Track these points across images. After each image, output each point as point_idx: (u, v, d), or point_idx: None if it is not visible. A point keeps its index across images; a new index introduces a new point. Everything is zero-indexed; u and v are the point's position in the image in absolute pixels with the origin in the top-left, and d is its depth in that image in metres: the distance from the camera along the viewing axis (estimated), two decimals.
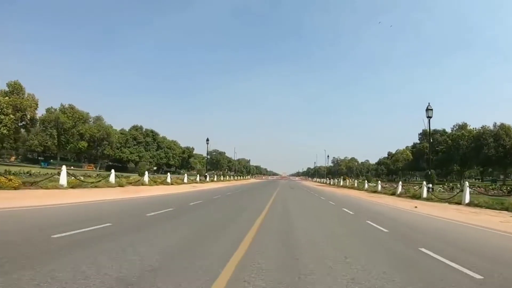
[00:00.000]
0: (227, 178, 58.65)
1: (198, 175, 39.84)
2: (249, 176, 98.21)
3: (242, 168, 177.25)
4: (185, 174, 34.41)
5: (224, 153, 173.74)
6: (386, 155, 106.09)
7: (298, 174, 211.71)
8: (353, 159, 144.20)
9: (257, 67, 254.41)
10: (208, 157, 49.23)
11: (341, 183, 49.57)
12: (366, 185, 33.45)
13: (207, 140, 44.41)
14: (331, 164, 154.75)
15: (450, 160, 65.79)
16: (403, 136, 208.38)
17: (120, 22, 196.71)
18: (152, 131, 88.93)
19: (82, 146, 64.88)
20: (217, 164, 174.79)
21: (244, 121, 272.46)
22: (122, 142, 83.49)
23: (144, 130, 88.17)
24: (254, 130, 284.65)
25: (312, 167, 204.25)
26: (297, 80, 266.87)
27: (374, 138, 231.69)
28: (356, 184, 42.09)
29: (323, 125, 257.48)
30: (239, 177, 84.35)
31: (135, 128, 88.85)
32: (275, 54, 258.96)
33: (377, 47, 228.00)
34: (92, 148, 73.41)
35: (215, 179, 46.91)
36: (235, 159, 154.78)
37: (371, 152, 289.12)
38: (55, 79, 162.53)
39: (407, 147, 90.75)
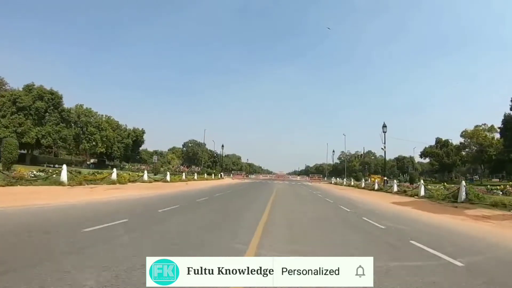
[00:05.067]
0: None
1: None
2: (221, 174, 61.13)
3: (232, 165, 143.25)
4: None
5: (204, 144, 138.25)
6: (434, 143, 69.14)
7: (295, 173, 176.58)
8: (369, 152, 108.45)
9: (257, 66, 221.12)
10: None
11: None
12: None
13: None
14: (337, 161, 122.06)
15: None
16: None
17: (121, 21, 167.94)
18: (51, 93, 52.52)
19: None
20: (194, 157, 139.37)
21: (243, 120, 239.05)
22: None
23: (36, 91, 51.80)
24: (253, 130, 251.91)
25: (311, 165, 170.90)
26: (297, 80, 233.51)
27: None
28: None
29: (323, 122, 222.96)
30: (210, 175, 48.36)
31: (28, 88, 52.68)
32: (275, 53, 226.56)
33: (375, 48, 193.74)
34: None
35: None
36: (224, 155, 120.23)
37: (379, 148, 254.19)
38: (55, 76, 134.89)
39: (476, 126, 55.01)
